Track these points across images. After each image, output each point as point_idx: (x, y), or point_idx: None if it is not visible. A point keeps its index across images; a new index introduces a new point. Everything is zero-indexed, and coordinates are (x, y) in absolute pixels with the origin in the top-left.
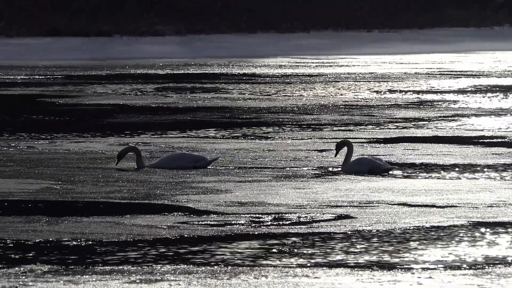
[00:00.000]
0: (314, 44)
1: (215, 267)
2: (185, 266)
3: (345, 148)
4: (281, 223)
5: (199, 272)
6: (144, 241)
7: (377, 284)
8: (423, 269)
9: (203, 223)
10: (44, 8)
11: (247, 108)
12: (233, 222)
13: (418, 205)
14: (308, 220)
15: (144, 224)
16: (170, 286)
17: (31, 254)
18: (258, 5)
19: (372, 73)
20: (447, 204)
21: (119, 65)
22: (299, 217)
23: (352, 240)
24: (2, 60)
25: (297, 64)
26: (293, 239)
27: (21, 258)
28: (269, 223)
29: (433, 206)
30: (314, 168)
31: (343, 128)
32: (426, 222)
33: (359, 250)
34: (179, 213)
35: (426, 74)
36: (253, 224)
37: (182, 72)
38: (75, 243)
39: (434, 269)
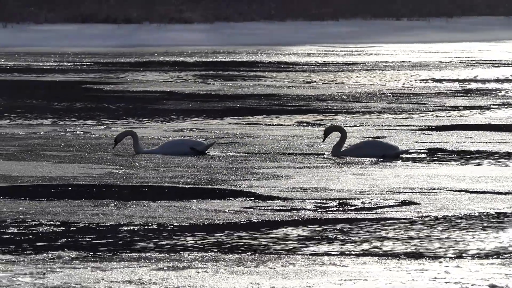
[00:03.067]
0: (342, 32)
1: (268, 255)
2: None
3: (333, 134)
4: (346, 208)
5: (226, 259)
6: (213, 226)
7: (418, 273)
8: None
9: (269, 208)
10: None
11: (294, 95)
12: (298, 207)
13: (480, 192)
14: (372, 206)
15: (211, 208)
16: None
17: (105, 237)
18: None
19: (409, 61)
20: (509, 191)
21: (148, 52)
22: (363, 203)
23: (417, 226)
24: (31, 47)
25: (326, 52)
26: (352, 224)
27: (98, 243)
28: (335, 208)
29: (494, 192)
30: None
31: (393, 115)
32: (490, 209)
33: (422, 236)
34: (244, 198)
35: (461, 62)
36: (319, 210)
37: (211, 60)
38: (145, 227)
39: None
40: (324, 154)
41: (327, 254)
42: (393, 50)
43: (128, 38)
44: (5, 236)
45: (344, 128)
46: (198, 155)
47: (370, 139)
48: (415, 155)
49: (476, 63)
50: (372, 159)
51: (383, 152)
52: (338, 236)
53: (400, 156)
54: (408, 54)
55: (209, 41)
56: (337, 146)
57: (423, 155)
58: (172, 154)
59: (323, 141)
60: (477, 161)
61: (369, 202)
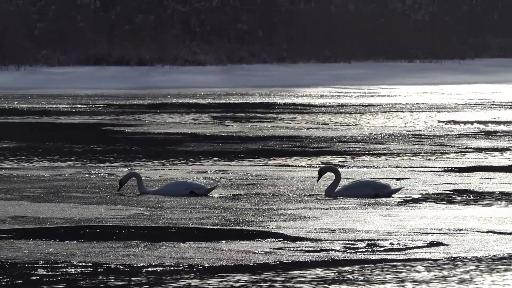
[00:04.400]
0: (355, 74)
1: None
2: None
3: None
4: (375, 249)
5: None
6: (244, 266)
7: None
8: None
9: (298, 249)
10: (86, 37)
11: (316, 137)
12: (328, 248)
13: (507, 233)
14: (401, 247)
15: (241, 249)
16: None
17: (137, 279)
18: (299, 35)
19: (425, 103)
20: None
21: (161, 94)
22: (391, 244)
23: (448, 267)
24: (44, 89)
25: (339, 94)
26: (383, 265)
27: (130, 284)
28: (364, 249)
29: None
30: (394, 195)
31: (416, 157)
32: None
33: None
34: (272, 239)
35: (476, 104)
36: (348, 251)
37: (225, 101)
38: (176, 268)
39: None
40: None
41: None
42: (406, 92)
43: (141, 80)
44: (38, 278)
45: (339, 169)
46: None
47: (362, 179)
48: (440, 197)
49: (493, 104)
50: (397, 199)
51: (375, 192)
52: (369, 277)
53: (393, 195)
54: (420, 96)
55: (221, 83)
56: (331, 187)
57: (448, 197)
58: (172, 195)
59: (317, 182)
60: (503, 202)
61: (398, 243)
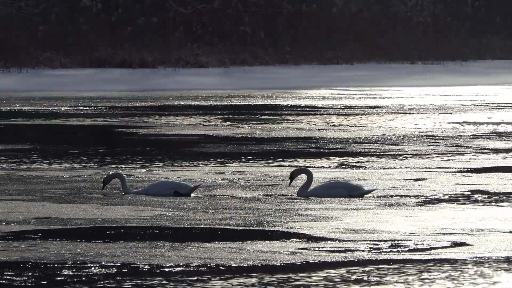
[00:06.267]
0: (357, 76)
1: None
2: None
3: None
4: (400, 250)
5: None
6: (272, 267)
7: None
8: None
9: (323, 249)
10: (88, 39)
11: (330, 138)
12: (352, 248)
13: None
14: (425, 247)
15: (266, 250)
16: None
17: (167, 279)
18: (301, 37)
19: (433, 104)
20: None
21: (163, 96)
22: (415, 244)
23: (475, 267)
24: (46, 91)
25: (341, 95)
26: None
27: (161, 284)
28: (389, 250)
29: None
30: (413, 196)
31: (432, 158)
32: None
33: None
34: (296, 239)
35: (483, 106)
36: (373, 251)
37: (227, 103)
38: (204, 268)
39: None
40: (367, 196)
41: None
42: (408, 94)
43: (143, 82)
44: (68, 278)
45: (311, 170)
46: (183, 197)
47: (335, 180)
48: (459, 197)
49: (499, 106)
50: (416, 200)
51: (349, 193)
52: (396, 277)
53: (365, 195)
54: (423, 97)
55: (223, 85)
56: (304, 187)
57: (466, 197)
58: (156, 195)
59: (289, 185)
60: None
61: (422, 244)
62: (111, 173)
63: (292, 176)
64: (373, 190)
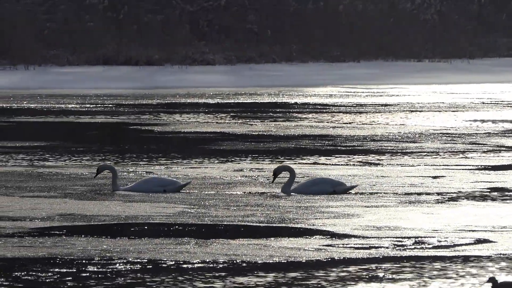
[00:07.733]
0: (364, 74)
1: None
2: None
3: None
4: (424, 247)
5: None
6: (297, 263)
7: None
8: None
9: (348, 246)
10: (94, 37)
11: (348, 136)
12: (376, 245)
13: None
14: (449, 244)
15: (291, 246)
16: None
17: (193, 275)
18: (308, 35)
19: (444, 102)
20: None
21: (169, 94)
22: (439, 241)
23: (501, 263)
24: (53, 89)
25: (348, 93)
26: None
27: (188, 279)
28: (413, 247)
29: None
30: (433, 193)
31: (450, 155)
32: None
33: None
34: (320, 236)
35: (493, 104)
36: (398, 248)
37: (234, 101)
38: (231, 265)
39: None
40: (387, 193)
41: None
42: (415, 91)
43: (150, 80)
44: (96, 274)
45: (293, 167)
46: (173, 193)
47: (318, 176)
48: (479, 195)
49: (509, 104)
50: (436, 197)
51: (333, 188)
52: (421, 274)
53: (349, 191)
54: (429, 95)
55: (230, 82)
56: (287, 184)
57: (486, 195)
58: (145, 191)
59: (272, 182)
60: None
61: (445, 241)
62: (107, 164)
63: (276, 173)
64: (355, 186)
